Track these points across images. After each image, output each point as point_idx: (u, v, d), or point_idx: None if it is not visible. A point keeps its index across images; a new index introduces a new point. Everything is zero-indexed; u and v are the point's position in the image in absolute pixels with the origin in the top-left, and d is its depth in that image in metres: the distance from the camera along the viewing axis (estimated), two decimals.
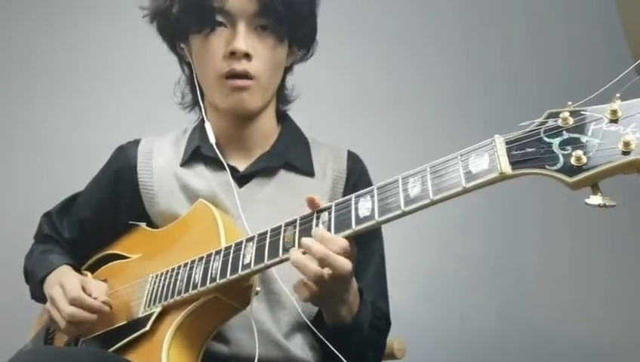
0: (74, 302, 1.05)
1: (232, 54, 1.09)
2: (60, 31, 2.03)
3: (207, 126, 1.17)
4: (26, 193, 1.73)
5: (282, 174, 1.18)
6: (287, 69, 1.24)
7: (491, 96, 2.09)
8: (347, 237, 0.85)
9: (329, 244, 0.84)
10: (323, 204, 0.90)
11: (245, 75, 1.09)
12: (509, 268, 1.98)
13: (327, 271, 0.84)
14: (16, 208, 1.82)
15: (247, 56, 1.09)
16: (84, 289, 1.08)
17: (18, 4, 2.03)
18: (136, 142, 1.25)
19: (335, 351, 0.95)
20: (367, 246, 1.14)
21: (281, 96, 1.26)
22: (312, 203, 0.90)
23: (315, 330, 1.00)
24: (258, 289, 1.00)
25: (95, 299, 1.06)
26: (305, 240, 0.85)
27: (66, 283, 1.08)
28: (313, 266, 0.84)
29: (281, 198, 1.14)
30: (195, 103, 1.26)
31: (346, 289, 0.93)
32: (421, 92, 2.10)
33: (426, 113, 2.09)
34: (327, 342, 0.97)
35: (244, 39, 1.08)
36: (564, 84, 1.97)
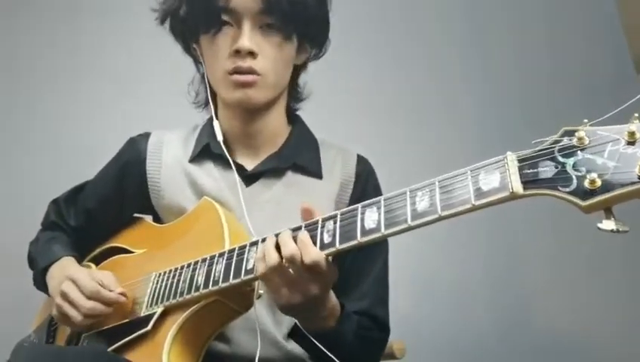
0: (93, 296, 1.05)
1: (237, 52, 1.09)
2: (64, 32, 2.04)
3: (216, 124, 1.18)
4: (31, 191, 1.73)
5: (290, 175, 1.17)
6: (300, 67, 1.23)
7: (502, 101, 2.09)
8: (332, 255, 0.85)
9: (302, 249, 0.84)
10: (318, 215, 0.89)
11: (250, 72, 1.09)
12: (512, 273, 1.98)
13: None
14: (22, 206, 1.81)
15: (252, 54, 1.09)
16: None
17: (24, 5, 2.03)
18: (147, 135, 1.25)
19: (330, 354, 0.94)
20: (370, 250, 1.13)
21: (293, 94, 1.25)
22: (306, 211, 0.90)
23: (307, 334, 0.99)
24: (261, 292, 0.99)
25: (111, 291, 1.06)
26: (283, 237, 0.87)
27: (77, 277, 1.07)
28: (274, 255, 0.86)
29: (288, 199, 1.14)
30: (207, 102, 1.26)
31: (318, 305, 0.93)
32: (433, 97, 2.10)
33: (438, 118, 2.08)
34: (318, 344, 0.96)
35: (248, 38, 1.09)
36: (579, 96, 1.96)
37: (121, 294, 1.06)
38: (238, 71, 1.09)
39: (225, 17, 1.10)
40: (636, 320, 1.88)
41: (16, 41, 2.02)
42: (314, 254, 0.84)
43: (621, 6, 1.82)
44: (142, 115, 1.79)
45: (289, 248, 0.85)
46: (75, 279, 1.07)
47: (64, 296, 1.07)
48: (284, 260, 0.85)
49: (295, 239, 0.87)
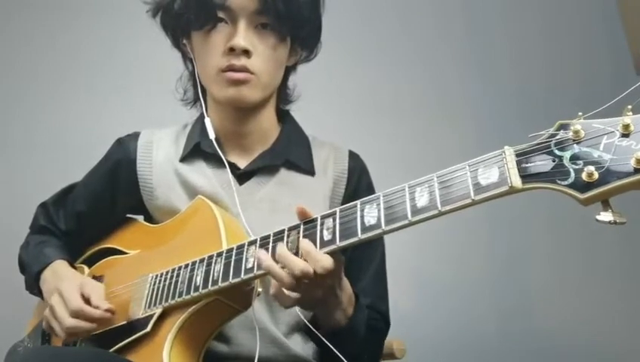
0: (75, 315, 1.04)
1: (232, 50, 1.09)
2: (62, 33, 2.02)
3: (207, 122, 1.17)
4: (31, 192, 1.72)
5: (283, 172, 1.17)
6: (290, 69, 1.23)
7: (499, 98, 2.09)
8: (333, 252, 0.84)
9: (311, 262, 0.84)
10: (313, 215, 0.89)
11: (244, 70, 1.09)
12: (513, 272, 1.99)
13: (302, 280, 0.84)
14: (14, 205, 1.79)
15: (246, 52, 1.09)
16: (82, 295, 1.07)
17: (22, 7, 2.01)
18: (136, 135, 1.24)
19: (335, 351, 0.95)
20: (368, 246, 1.13)
21: (282, 96, 1.25)
22: (301, 213, 0.89)
23: (315, 331, 1.00)
24: (260, 290, 0.99)
25: (96, 307, 1.04)
26: (282, 252, 0.86)
27: (64, 291, 1.06)
28: (285, 275, 0.85)
29: (282, 197, 1.14)
30: (196, 99, 1.26)
31: (336, 294, 0.93)
32: (428, 94, 2.10)
33: (433, 116, 2.09)
34: (326, 341, 0.97)
35: (243, 36, 1.08)
36: (572, 87, 1.97)
37: (108, 310, 1.05)
38: (231, 68, 1.09)
39: (220, 14, 1.10)
40: (636, 316, 1.90)
41: (14, 42, 2.00)
42: (324, 262, 0.83)
43: (621, 6, 1.84)
44: (144, 115, 1.78)
45: (298, 267, 0.83)
46: (62, 293, 1.07)
47: (51, 310, 1.07)
48: (296, 278, 0.84)
49: (300, 254, 0.86)
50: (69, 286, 1.08)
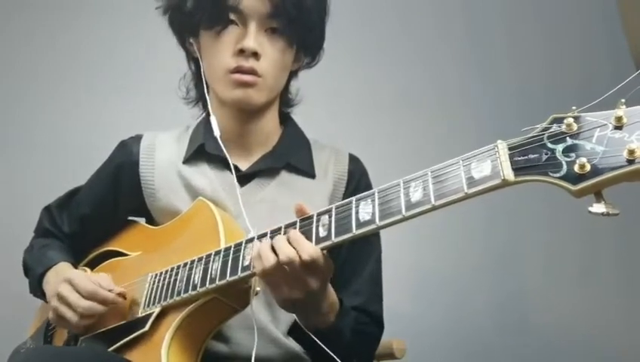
0: (89, 296, 1.04)
1: (241, 52, 1.10)
2: (63, 33, 2.03)
3: (213, 119, 1.17)
4: (25, 192, 1.73)
5: (283, 175, 1.18)
6: (292, 74, 1.24)
7: (498, 98, 2.09)
8: (327, 248, 0.85)
9: (298, 248, 0.85)
10: (310, 212, 0.90)
11: (252, 73, 1.10)
12: (510, 269, 1.98)
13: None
14: (17, 206, 1.81)
15: (255, 55, 1.10)
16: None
17: (22, 7, 2.02)
18: (138, 138, 1.25)
19: (329, 351, 0.95)
20: (364, 247, 1.14)
21: (284, 100, 1.26)
22: (299, 211, 0.90)
23: (310, 333, 0.99)
24: (258, 289, 0.99)
25: (110, 290, 1.05)
26: (278, 242, 0.87)
27: (73, 278, 1.07)
28: (272, 256, 0.86)
29: (282, 199, 1.14)
30: (199, 99, 1.27)
31: (318, 299, 0.93)
32: (428, 94, 2.10)
33: (433, 115, 2.09)
34: (321, 343, 0.97)
35: (254, 38, 1.10)
36: (572, 87, 1.97)
37: (120, 294, 1.06)
38: (240, 70, 1.10)
39: (232, 16, 1.11)
40: (633, 311, 1.89)
41: (14, 42, 2.01)
42: (311, 250, 0.84)
43: (621, 6, 1.84)
44: (144, 115, 1.79)
45: (285, 252, 0.85)
46: (71, 280, 1.07)
47: (60, 298, 1.06)
48: (281, 263, 0.85)
49: (288, 240, 0.87)
50: (77, 274, 1.09)
